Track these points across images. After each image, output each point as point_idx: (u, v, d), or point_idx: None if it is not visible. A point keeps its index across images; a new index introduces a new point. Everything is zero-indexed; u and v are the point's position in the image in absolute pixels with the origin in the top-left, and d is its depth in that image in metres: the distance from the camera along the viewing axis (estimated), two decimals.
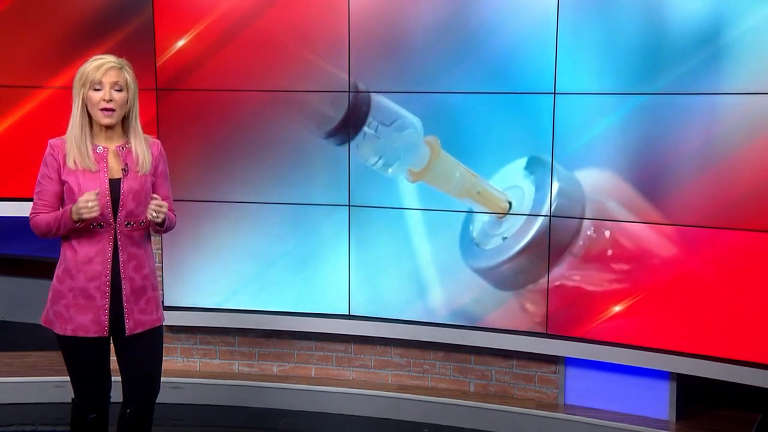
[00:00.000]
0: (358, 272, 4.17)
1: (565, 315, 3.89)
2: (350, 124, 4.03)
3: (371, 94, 3.99)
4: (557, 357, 4.06)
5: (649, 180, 3.66)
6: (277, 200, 4.17)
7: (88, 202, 2.81)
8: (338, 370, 4.42)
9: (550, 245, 3.85)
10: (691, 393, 4.02)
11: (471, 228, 3.97)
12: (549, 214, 3.83)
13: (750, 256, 3.52)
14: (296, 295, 4.24)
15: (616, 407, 4.00)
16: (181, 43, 4.10)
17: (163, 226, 3.00)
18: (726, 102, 3.48)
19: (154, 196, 2.94)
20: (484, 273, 3.98)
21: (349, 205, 4.12)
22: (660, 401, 3.92)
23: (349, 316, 4.21)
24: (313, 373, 4.45)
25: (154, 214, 2.89)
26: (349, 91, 4.02)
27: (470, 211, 3.97)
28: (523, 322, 3.97)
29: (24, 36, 4.17)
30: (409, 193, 4.04)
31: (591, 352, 3.86)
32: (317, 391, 4.31)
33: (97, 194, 2.84)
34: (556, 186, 3.80)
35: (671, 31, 3.53)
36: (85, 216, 2.83)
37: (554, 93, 3.75)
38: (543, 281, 3.89)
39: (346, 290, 4.19)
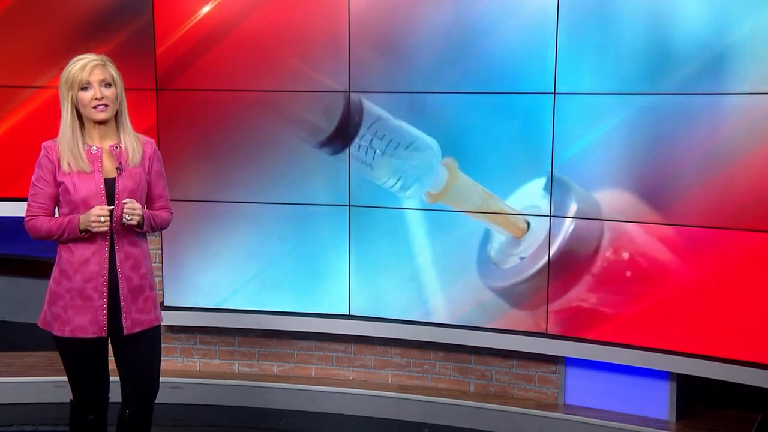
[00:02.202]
0: (358, 272, 4.16)
1: (570, 321, 3.89)
2: (350, 127, 4.03)
3: (367, 103, 3.97)
4: (557, 357, 4.06)
5: (653, 181, 3.65)
6: (277, 200, 4.17)
7: (101, 218, 2.83)
8: (338, 370, 4.42)
9: (550, 245, 3.85)
10: (691, 393, 4.02)
11: (489, 247, 3.96)
12: (549, 214, 3.83)
13: (750, 256, 3.52)
14: (296, 295, 4.24)
15: (616, 407, 4.00)
16: (181, 43, 4.09)
17: (142, 228, 2.98)
18: (734, 102, 3.47)
19: (126, 200, 2.90)
20: (501, 292, 3.97)
21: (349, 205, 4.11)
22: (660, 401, 3.92)
23: (349, 316, 4.21)
24: (313, 373, 4.45)
25: (128, 217, 2.88)
26: (348, 92, 4.01)
27: (472, 211, 3.96)
28: (524, 324, 3.97)
29: (25, 36, 4.17)
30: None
31: (591, 352, 3.86)
32: (317, 391, 4.31)
33: (111, 210, 2.86)
34: (573, 207, 3.78)
35: (675, 29, 3.53)
36: (95, 230, 2.84)
37: (554, 93, 3.75)
38: (558, 303, 3.88)
39: (346, 290, 4.19)
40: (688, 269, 3.64)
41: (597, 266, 3.79)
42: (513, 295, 3.95)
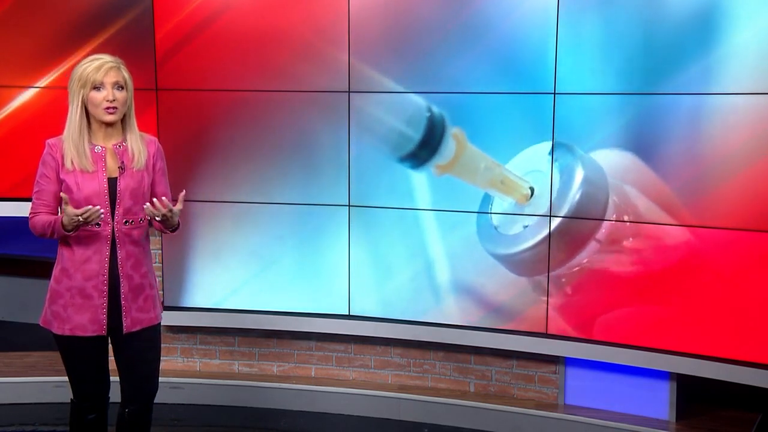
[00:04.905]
0: (358, 272, 4.17)
1: (570, 308, 3.89)
2: (350, 128, 4.04)
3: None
4: (557, 357, 4.06)
5: (657, 182, 3.66)
6: (278, 200, 4.17)
7: (78, 217, 2.79)
8: (338, 370, 4.42)
9: (550, 246, 3.85)
10: (691, 393, 4.02)
11: (490, 213, 3.93)
12: (549, 214, 3.83)
13: (749, 256, 3.52)
14: (296, 295, 4.24)
15: (616, 407, 4.00)
16: (181, 42, 4.09)
17: (169, 226, 2.99)
18: (736, 102, 3.47)
19: (159, 199, 2.91)
20: (503, 259, 3.94)
21: (349, 206, 4.12)
22: (660, 401, 3.92)
23: (349, 316, 4.21)
24: (313, 373, 4.45)
25: (152, 210, 2.86)
26: (349, 92, 4.02)
27: (474, 212, 3.95)
28: (527, 321, 3.97)
29: (26, 36, 4.17)
30: (409, 192, 4.04)
31: (591, 352, 3.86)
32: (317, 391, 4.31)
33: (86, 210, 2.82)
34: (580, 174, 3.76)
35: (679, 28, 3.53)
36: (92, 219, 2.82)
37: (554, 93, 3.75)
38: (561, 270, 3.85)
39: (346, 290, 4.19)
40: (688, 269, 3.64)
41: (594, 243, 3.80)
42: (515, 263, 3.92)
